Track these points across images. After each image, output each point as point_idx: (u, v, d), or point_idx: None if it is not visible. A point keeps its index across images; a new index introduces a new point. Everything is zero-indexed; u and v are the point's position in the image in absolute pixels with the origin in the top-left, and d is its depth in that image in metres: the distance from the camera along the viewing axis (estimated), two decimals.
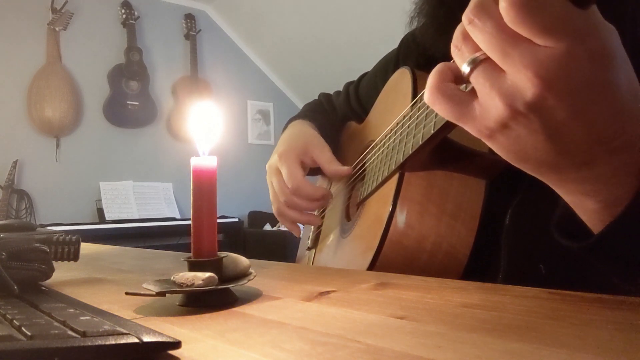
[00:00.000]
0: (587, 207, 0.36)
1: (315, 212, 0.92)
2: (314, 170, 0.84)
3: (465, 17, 0.32)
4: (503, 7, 0.29)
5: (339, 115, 0.99)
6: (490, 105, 0.32)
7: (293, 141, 0.82)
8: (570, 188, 0.36)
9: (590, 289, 0.35)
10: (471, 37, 0.33)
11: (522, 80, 0.30)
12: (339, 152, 0.92)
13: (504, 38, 0.30)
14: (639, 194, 0.34)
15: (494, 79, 0.32)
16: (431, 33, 0.65)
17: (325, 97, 1.06)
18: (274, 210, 0.83)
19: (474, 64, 0.33)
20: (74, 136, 3.45)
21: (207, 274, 0.38)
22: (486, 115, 0.33)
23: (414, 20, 0.69)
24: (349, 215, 0.78)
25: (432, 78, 0.35)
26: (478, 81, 0.33)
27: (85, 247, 0.91)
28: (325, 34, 3.74)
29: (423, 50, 0.70)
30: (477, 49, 0.33)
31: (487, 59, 0.32)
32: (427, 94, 0.36)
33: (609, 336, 0.26)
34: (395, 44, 0.87)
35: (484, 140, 0.35)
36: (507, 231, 0.55)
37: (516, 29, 0.30)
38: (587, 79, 0.30)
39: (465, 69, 0.33)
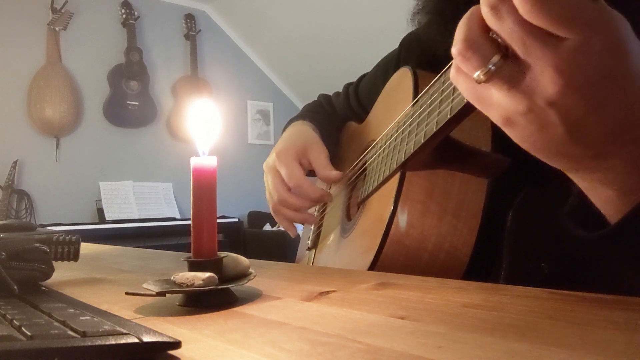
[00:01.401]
0: (602, 194, 0.36)
1: (315, 212, 0.92)
2: (310, 173, 0.84)
3: (486, 4, 0.31)
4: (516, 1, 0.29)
5: (339, 115, 0.99)
6: (509, 101, 0.33)
7: (292, 141, 0.82)
8: (583, 176, 0.36)
9: (592, 288, 0.35)
10: (476, 45, 0.32)
11: (544, 77, 0.30)
12: (339, 152, 0.92)
13: (527, 31, 0.30)
14: None
15: (512, 81, 0.32)
16: (435, 29, 0.65)
17: (325, 98, 1.06)
18: (270, 209, 0.83)
19: (488, 75, 0.32)
20: (74, 136, 3.46)
21: (207, 274, 0.38)
22: (504, 106, 0.33)
23: (415, 17, 0.69)
24: (350, 215, 0.78)
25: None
26: (496, 84, 0.33)
27: (85, 247, 0.91)
28: (325, 34, 3.74)
29: (426, 47, 0.69)
30: (486, 56, 0.32)
31: (501, 67, 0.32)
32: (452, 70, 0.36)
33: (610, 336, 0.26)
34: (395, 43, 0.87)
35: (500, 126, 0.35)
36: (509, 230, 0.55)
37: (531, 21, 0.30)
38: (603, 71, 0.30)
39: (479, 77, 0.33)
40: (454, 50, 0.34)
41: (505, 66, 0.32)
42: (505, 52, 0.32)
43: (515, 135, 0.35)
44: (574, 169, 0.36)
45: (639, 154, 0.33)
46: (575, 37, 0.29)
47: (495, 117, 0.35)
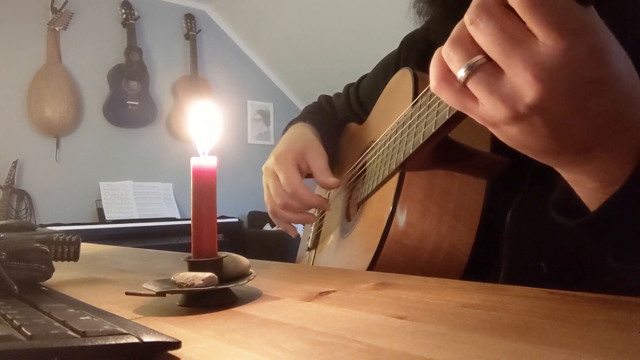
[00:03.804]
0: (585, 185, 0.37)
1: (315, 212, 0.92)
2: (310, 176, 0.84)
3: (467, 17, 0.32)
4: None
5: (340, 116, 0.99)
6: (491, 108, 0.33)
7: (291, 144, 0.82)
8: (569, 168, 0.37)
9: (591, 288, 0.35)
10: (461, 44, 0.33)
11: (523, 83, 0.31)
12: (339, 153, 0.92)
13: (506, 39, 0.31)
14: (634, 174, 0.34)
15: (493, 84, 0.32)
16: (437, 20, 0.65)
17: (325, 99, 1.06)
18: (268, 211, 0.83)
19: (471, 70, 0.33)
20: (74, 136, 3.45)
21: (207, 274, 0.38)
22: (489, 113, 0.34)
23: (416, 5, 0.69)
24: (350, 215, 0.78)
25: (435, 67, 0.36)
26: (476, 88, 0.33)
27: (85, 247, 0.91)
28: (326, 34, 3.74)
29: (427, 41, 0.70)
30: (470, 55, 0.33)
31: (482, 65, 0.33)
32: (433, 83, 0.36)
33: (609, 336, 0.26)
34: (395, 43, 0.87)
35: (488, 127, 0.36)
36: (508, 230, 0.55)
37: (523, 16, 0.30)
38: (587, 76, 0.30)
39: (461, 74, 0.34)
40: (442, 53, 0.35)
41: (487, 68, 0.33)
42: (488, 56, 0.33)
43: (502, 136, 0.36)
44: (561, 163, 0.37)
45: (623, 145, 0.34)
46: (561, 44, 0.29)
47: (483, 120, 0.35)
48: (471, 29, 0.32)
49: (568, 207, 0.39)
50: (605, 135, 0.33)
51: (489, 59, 0.32)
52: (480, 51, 0.33)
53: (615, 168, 0.35)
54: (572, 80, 0.30)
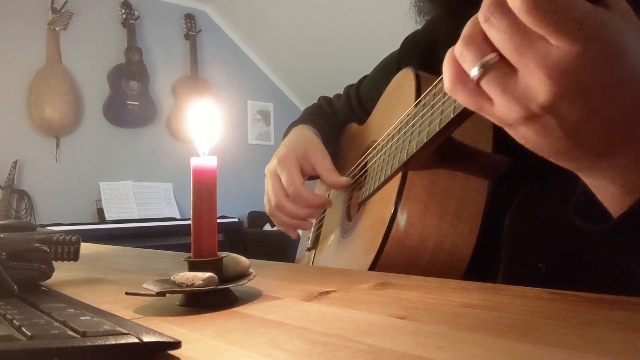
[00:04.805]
0: (607, 190, 0.37)
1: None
2: (313, 177, 0.84)
3: (481, 14, 0.32)
4: (517, 6, 0.29)
5: (340, 117, 0.99)
6: (505, 108, 0.33)
7: (293, 146, 0.82)
8: (589, 173, 0.36)
9: (589, 288, 0.35)
10: (474, 42, 0.33)
11: (535, 83, 0.30)
12: (339, 153, 0.92)
13: (520, 37, 0.30)
14: None
15: (506, 84, 0.32)
16: (439, 18, 0.65)
17: (325, 100, 1.06)
18: (267, 211, 0.83)
19: (484, 68, 0.33)
20: (74, 136, 3.45)
21: (207, 274, 0.38)
22: (504, 114, 0.33)
23: (417, 2, 0.68)
24: (350, 215, 0.78)
25: (448, 67, 0.35)
26: (489, 87, 0.33)
27: (85, 247, 0.91)
28: (326, 34, 3.74)
29: (429, 40, 0.69)
30: (483, 53, 0.32)
31: (496, 64, 0.32)
32: (448, 84, 0.36)
33: (610, 336, 0.26)
34: (395, 43, 0.87)
35: (505, 128, 0.36)
36: (507, 230, 0.55)
37: (531, 27, 0.29)
38: (602, 79, 0.30)
39: (474, 73, 0.33)
40: (455, 51, 0.34)
41: (500, 66, 0.32)
42: (502, 55, 0.32)
43: (517, 136, 0.35)
44: (580, 168, 0.36)
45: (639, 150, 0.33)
46: (574, 47, 0.29)
47: (498, 121, 0.35)
48: (485, 26, 0.32)
49: (589, 211, 0.38)
50: (624, 140, 0.32)
51: (502, 57, 0.32)
52: (494, 49, 0.32)
53: (634, 174, 0.34)
54: (586, 83, 0.29)
